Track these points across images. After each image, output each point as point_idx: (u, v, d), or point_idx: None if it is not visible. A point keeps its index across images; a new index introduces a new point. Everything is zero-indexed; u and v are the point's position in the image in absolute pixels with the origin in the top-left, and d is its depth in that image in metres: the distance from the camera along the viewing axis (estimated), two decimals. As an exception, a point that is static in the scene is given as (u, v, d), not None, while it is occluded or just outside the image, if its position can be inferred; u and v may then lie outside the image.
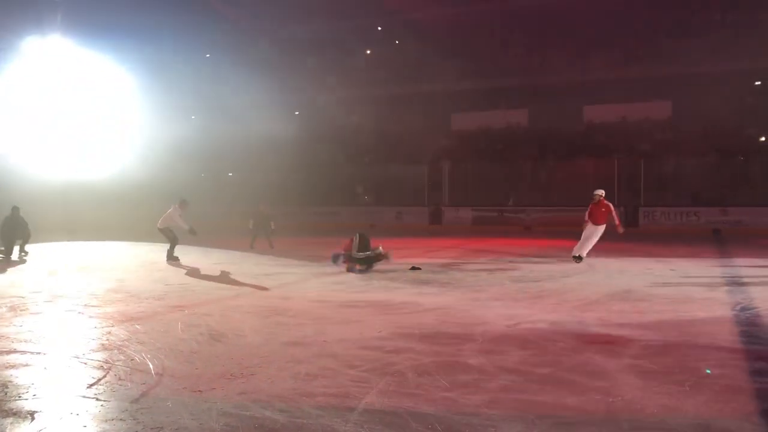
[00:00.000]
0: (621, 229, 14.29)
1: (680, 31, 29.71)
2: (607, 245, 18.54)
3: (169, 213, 15.19)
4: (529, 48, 31.81)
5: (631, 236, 22.62)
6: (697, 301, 9.01)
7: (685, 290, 10.03)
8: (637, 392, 4.98)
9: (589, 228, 14.01)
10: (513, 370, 5.60)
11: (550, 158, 29.54)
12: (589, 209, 14.08)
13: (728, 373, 5.50)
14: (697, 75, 28.68)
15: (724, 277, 11.72)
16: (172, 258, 14.81)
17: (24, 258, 15.71)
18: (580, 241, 14.12)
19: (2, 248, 15.65)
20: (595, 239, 14.04)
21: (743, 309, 8.40)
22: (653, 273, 12.40)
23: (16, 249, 15.91)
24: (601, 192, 14.13)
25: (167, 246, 15.17)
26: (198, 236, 15.52)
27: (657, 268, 13.14)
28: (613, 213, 13.97)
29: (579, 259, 13.99)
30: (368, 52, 33.92)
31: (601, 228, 13.96)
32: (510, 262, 14.38)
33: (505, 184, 28.73)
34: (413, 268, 12.84)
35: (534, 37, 30.69)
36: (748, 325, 7.45)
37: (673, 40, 29.83)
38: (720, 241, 20.60)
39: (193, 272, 13.05)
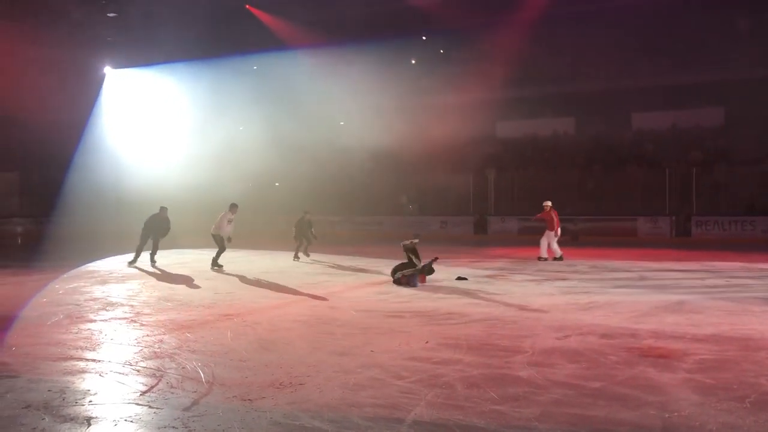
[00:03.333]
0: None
1: (732, 35, 28.90)
2: (659, 254, 18.17)
3: (219, 218, 15.57)
4: (576, 54, 31.38)
5: (684, 246, 22.12)
6: (754, 314, 8.72)
7: (741, 302, 9.71)
8: (694, 408, 4.84)
9: (549, 233, 16.59)
10: (564, 383, 5.50)
11: (597, 167, 29.04)
12: (549, 216, 16.64)
13: (791, 389, 5.30)
14: (750, 80, 27.77)
15: (782, 288, 11.31)
16: (216, 265, 15.18)
17: (154, 262, 16.08)
18: (548, 246, 16.60)
19: (150, 252, 16.12)
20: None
21: (805, 322, 8.10)
22: (707, 284, 12.05)
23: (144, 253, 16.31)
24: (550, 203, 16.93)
25: (213, 253, 15.53)
26: (233, 244, 15.90)
27: (711, 279, 12.77)
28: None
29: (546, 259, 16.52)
30: (413, 61, 33.99)
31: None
32: (558, 272, 14.15)
33: (552, 193, 28.31)
34: (459, 278, 12.76)
35: (581, 43, 30.23)
36: (810, 340, 7.17)
37: (724, 45, 29.02)
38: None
39: (241, 281, 13.22)
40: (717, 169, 26.98)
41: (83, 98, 31.60)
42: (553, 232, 16.55)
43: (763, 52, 27.93)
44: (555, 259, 16.50)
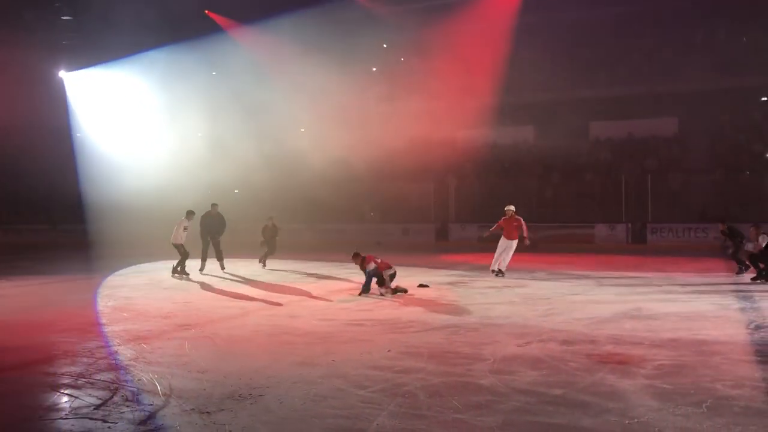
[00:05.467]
0: (527, 241, 14.68)
1: (685, 48, 29.70)
2: (616, 261, 18.47)
3: (177, 226, 15.39)
4: (535, 64, 31.81)
5: (640, 252, 22.55)
6: (709, 320, 8.90)
7: (696, 308, 9.91)
8: (653, 414, 4.90)
9: (503, 242, 14.62)
10: (526, 390, 5.51)
11: (556, 175, 29.45)
12: (500, 224, 14.77)
13: (746, 394, 5.40)
14: (701, 92, 28.61)
15: (735, 294, 11.58)
16: (181, 272, 15.06)
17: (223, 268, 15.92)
18: (496, 254, 14.69)
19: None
20: (511, 252, 14.60)
21: (757, 327, 8.29)
22: (663, 290, 12.27)
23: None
24: (512, 208, 14.85)
25: (173, 262, 15.32)
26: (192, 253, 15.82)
27: (666, 285, 13.01)
28: (523, 227, 14.50)
29: (500, 273, 14.53)
30: (374, 69, 34.06)
31: (515, 242, 14.53)
32: (518, 279, 14.26)
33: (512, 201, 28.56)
34: (421, 286, 12.76)
35: (540, 53, 30.69)
36: (762, 345, 7.34)
37: (678, 57, 29.80)
38: (729, 257, 20.38)
39: (199, 290, 13.00)
40: (671, 178, 27.61)
41: (38, 103, 30.87)
42: (511, 241, 14.50)
43: (714, 64, 28.77)
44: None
